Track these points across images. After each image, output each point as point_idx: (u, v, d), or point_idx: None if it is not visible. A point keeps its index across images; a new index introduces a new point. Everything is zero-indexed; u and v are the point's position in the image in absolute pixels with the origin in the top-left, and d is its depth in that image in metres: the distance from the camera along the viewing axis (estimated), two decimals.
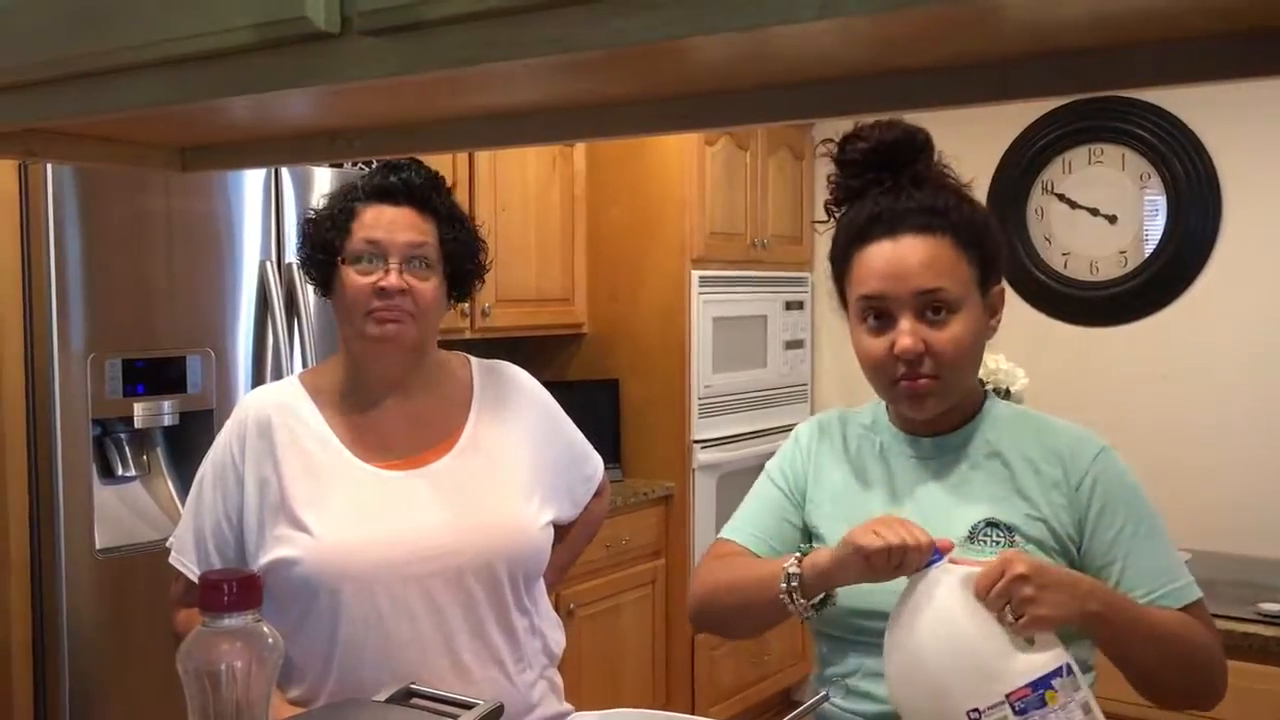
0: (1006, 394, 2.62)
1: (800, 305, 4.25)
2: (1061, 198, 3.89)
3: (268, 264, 2.47)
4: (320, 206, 1.64)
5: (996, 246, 1.39)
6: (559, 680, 1.69)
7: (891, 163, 1.37)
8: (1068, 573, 1.26)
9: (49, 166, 2.11)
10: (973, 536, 1.35)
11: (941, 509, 1.38)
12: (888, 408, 1.48)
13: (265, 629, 1.02)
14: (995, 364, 2.67)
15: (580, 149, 3.74)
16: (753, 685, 3.95)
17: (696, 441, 3.75)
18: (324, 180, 2.60)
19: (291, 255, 2.51)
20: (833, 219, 1.43)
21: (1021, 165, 3.92)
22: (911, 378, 1.34)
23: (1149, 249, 3.74)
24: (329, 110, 0.96)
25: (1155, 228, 3.73)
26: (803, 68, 0.74)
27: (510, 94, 0.87)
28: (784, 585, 1.31)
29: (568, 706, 1.68)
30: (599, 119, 0.92)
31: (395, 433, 1.61)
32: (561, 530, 1.75)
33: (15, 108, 0.94)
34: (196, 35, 0.75)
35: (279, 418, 1.58)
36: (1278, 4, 0.58)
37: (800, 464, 1.53)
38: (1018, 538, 1.34)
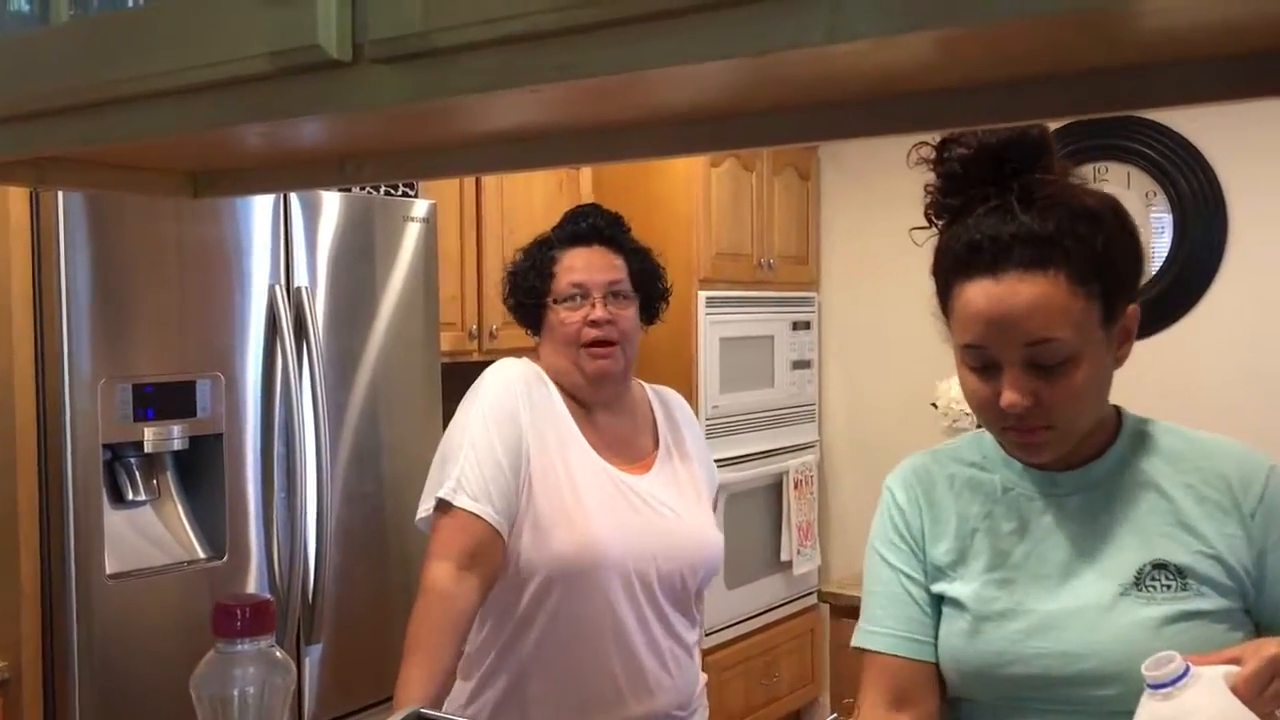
0: None
1: (807, 325, 4.25)
2: None
3: (277, 288, 2.47)
4: (517, 260, 1.84)
5: (1126, 268, 1.19)
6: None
7: (998, 174, 1.16)
8: None
9: (60, 193, 2.12)
10: (1139, 582, 1.19)
11: (1098, 554, 1.22)
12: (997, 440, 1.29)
13: (279, 654, 1.02)
14: None
15: (586, 172, 3.75)
16: (762, 707, 3.93)
17: None
18: (333, 204, 2.61)
19: (300, 279, 2.52)
20: (934, 226, 1.24)
21: None
22: (1021, 430, 1.18)
23: (1155, 267, 3.74)
24: (340, 136, 0.97)
25: (1161, 246, 3.73)
26: (814, 90, 0.74)
27: (520, 119, 0.87)
28: None
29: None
30: (609, 143, 0.92)
31: (607, 443, 1.79)
32: None
33: (28, 137, 0.94)
34: (210, 64, 0.76)
35: (539, 388, 1.76)
36: None
37: (906, 526, 1.32)
38: (1190, 580, 1.18)
